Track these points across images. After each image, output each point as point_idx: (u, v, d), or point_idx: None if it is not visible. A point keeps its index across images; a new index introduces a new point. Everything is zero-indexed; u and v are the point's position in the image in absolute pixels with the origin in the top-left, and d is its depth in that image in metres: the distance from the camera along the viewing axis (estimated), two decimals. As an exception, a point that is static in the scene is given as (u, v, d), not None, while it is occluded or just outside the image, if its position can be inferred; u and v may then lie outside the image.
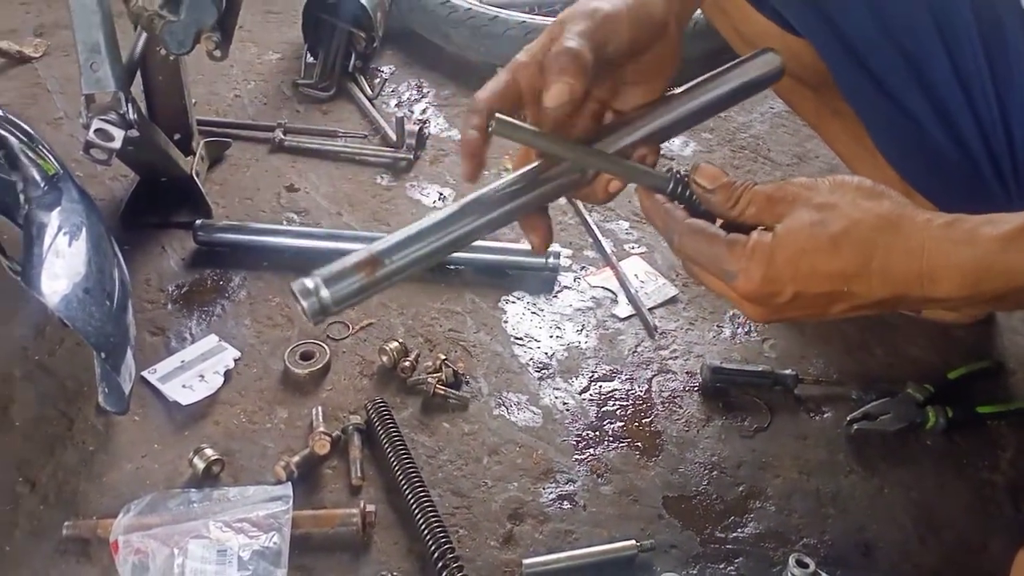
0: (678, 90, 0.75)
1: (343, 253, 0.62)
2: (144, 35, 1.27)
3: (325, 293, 0.62)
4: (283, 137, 1.52)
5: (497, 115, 0.65)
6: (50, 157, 1.17)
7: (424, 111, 1.66)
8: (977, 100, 0.94)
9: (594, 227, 1.38)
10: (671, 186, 0.69)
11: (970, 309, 0.67)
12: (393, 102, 1.68)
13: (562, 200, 1.44)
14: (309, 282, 0.62)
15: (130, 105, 1.14)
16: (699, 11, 1.17)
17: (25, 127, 1.19)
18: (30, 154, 1.15)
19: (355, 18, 1.71)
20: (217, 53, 1.19)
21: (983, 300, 0.65)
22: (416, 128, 1.53)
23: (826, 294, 0.66)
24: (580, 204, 1.42)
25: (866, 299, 0.65)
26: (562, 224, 1.40)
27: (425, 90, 1.72)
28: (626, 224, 1.41)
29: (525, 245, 1.34)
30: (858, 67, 0.98)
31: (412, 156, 1.51)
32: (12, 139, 1.15)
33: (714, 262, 0.67)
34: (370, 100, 1.65)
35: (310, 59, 1.71)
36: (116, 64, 1.13)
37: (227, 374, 1.11)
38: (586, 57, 0.66)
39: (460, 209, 0.68)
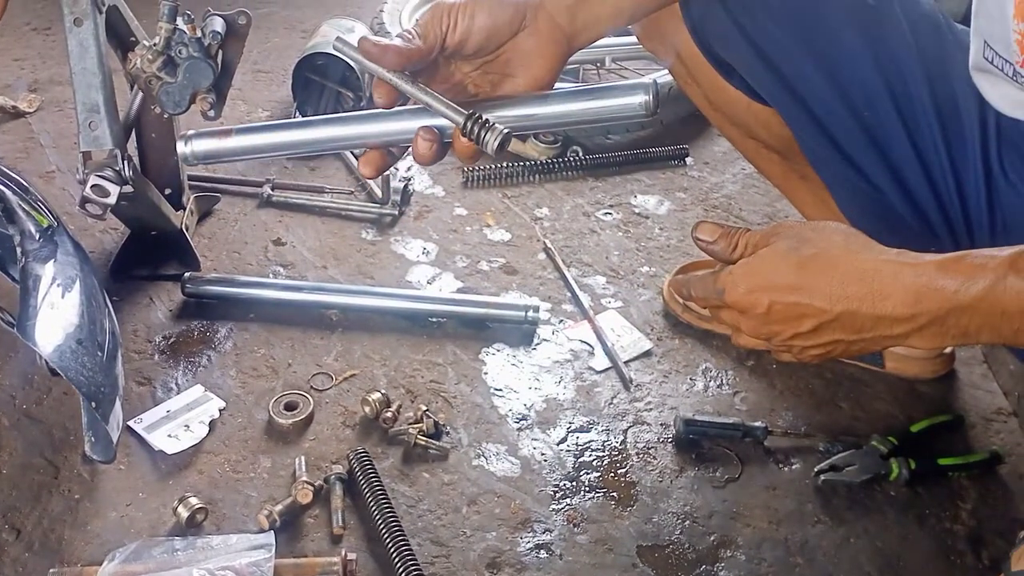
0: (548, 92, 0.84)
1: (328, 307, 0.80)
2: (140, 94, 1.32)
3: (191, 146, 0.83)
4: (271, 192, 1.57)
5: (338, 36, 0.83)
6: (44, 210, 1.20)
7: (409, 168, 1.71)
8: (934, 172, 0.99)
9: (572, 282, 1.43)
10: (464, 122, 0.75)
11: (919, 341, 0.74)
12: (379, 160, 1.73)
13: (542, 255, 1.50)
14: (186, 136, 0.84)
15: (125, 162, 1.19)
16: (671, 77, 1.24)
17: (20, 180, 1.23)
18: (25, 207, 1.19)
19: (343, 78, 1.77)
20: (211, 113, 1.24)
21: (927, 321, 0.74)
22: (401, 185, 1.58)
23: (794, 305, 0.76)
24: (559, 259, 1.47)
25: (828, 314, 0.75)
26: (541, 279, 1.45)
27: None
28: (603, 279, 1.46)
29: (506, 299, 1.38)
30: (822, 136, 1.03)
31: (397, 212, 1.56)
32: (8, 192, 1.19)
33: (708, 289, 0.81)
34: (356, 157, 1.70)
35: (299, 117, 1.77)
36: (114, 123, 1.18)
37: (212, 424, 1.13)
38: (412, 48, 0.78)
39: (322, 119, 0.84)
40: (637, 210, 1.64)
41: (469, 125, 0.75)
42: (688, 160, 1.77)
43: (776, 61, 1.01)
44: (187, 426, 1.12)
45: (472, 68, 0.85)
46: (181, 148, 0.83)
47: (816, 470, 1.12)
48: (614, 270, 1.48)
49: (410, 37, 0.78)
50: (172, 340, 1.27)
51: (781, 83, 1.02)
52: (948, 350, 1.29)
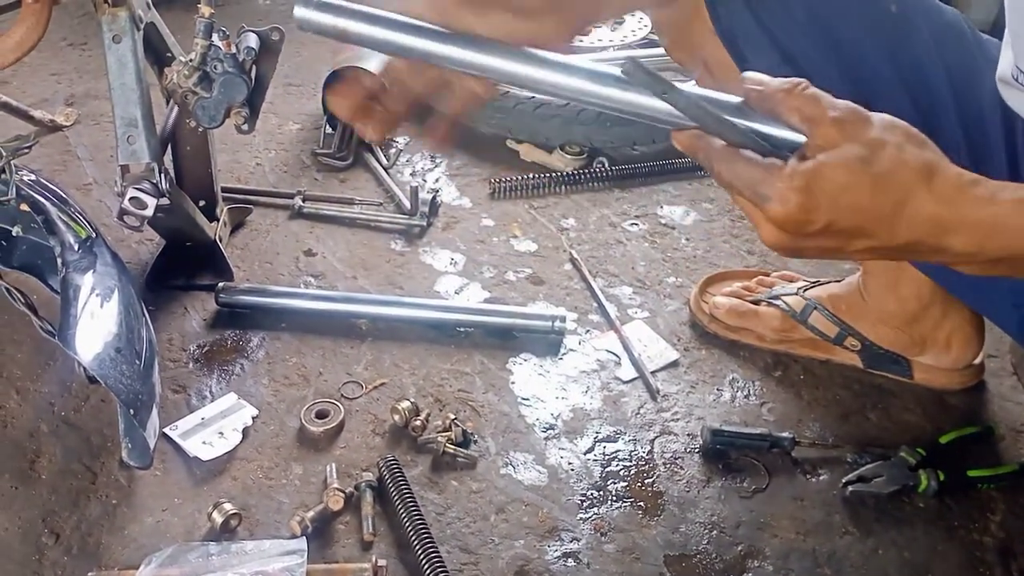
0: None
1: (358, 316, 0.69)
2: (176, 109, 1.35)
3: (310, 14, 0.72)
4: (302, 204, 1.60)
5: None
6: (83, 221, 1.24)
7: (437, 180, 1.73)
8: None
9: (599, 292, 1.44)
10: (625, 72, 0.67)
11: (975, 269, 0.69)
12: (407, 171, 1.76)
13: (568, 266, 1.51)
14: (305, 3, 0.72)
15: (162, 175, 1.21)
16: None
17: (59, 192, 1.27)
18: (65, 219, 1.22)
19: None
20: (245, 127, 1.26)
21: (986, 259, 0.69)
22: (429, 196, 1.60)
23: (855, 228, 0.68)
24: (585, 269, 1.49)
25: (887, 241, 0.68)
26: (567, 289, 1.46)
27: (438, 160, 1.79)
28: (629, 290, 1.47)
29: (532, 309, 1.39)
30: None
31: (425, 223, 1.58)
32: (48, 204, 1.22)
33: (750, 184, 0.68)
34: (385, 169, 1.73)
35: (328, 130, 1.79)
36: (151, 137, 1.21)
37: (245, 431, 1.16)
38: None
39: (471, 40, 0.73)
40: (663, 221, 1.65)
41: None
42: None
43: (803, 69, 1.01)
44: (221, 433, 1.15)
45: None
46: (300, 11, 0.72)
47: (844, 481, 1.12)
48: (640, 280, 1.49)
49: None
50: (206, 349, 1.30)
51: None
52: (977, 361, 1.29)
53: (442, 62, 0.73)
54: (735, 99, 0.71)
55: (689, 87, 0.69)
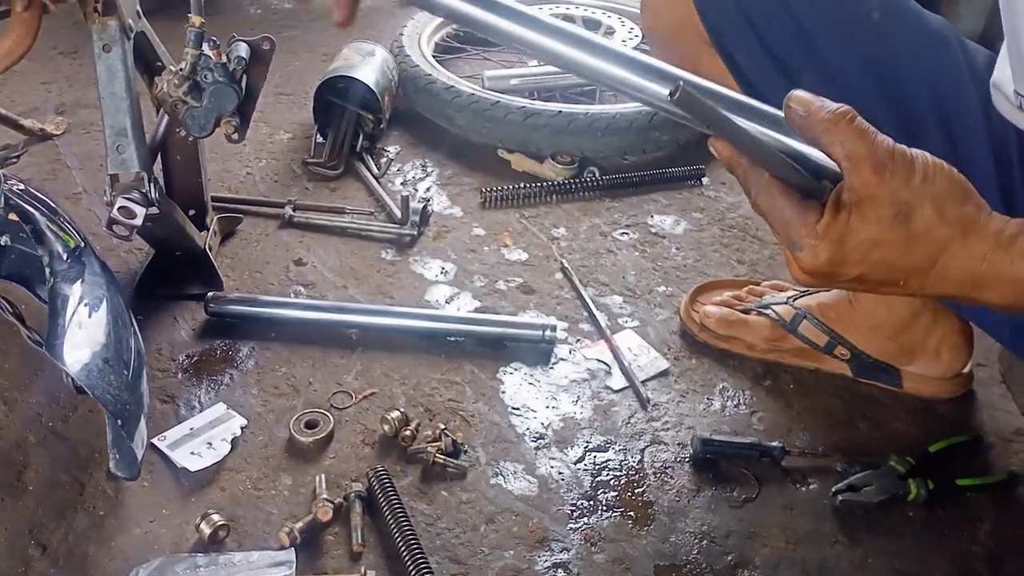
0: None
1: (348, 326, 0.68)
2: (166, 118, 1.35)
3: None
4: (292, 213, 1.59)
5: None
6: (72, 231, 1.23)
7: (428, 189, 1.73)
8: None
9: (589, 301, 1.44)
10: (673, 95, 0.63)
11: (1007, 311, 0.69)
12: (399, 180, 1.76)
13: (559, 275, 1.51)
14: None
15: (152, 184, 1.21)
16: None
17: (48, 201, 1.26)
18: (54, 228, 1.21)
19: (363, 101, 1.80)
20: (235, 136, 1.26)
21: (1021, 308, 0.69)
22: (420, 206, 1.60)
23: (886, 280, 0.68)
24: (576, 279, 1.49)
25: (917, 291, 0.69)
26: (558, 299, 1.46)
27: (429, 169, 1.80)
28: (620, 299, 1.47)
29: (523, 318, 1.39)
30: None
31: (416, 232, 1.58)
32: (37, 214, 1.22)
33: (784, 228, 0.68)
34: (376, 179, 1.73)
35: (319, 139, 1.80)
36: (141, 146, 1.21)
37: (234, 442, 1.15)
38: None
39: (558, 28, 0.73)
40: (654, 230, 1.65)
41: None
42: (704, 180, 1.78)
43: (791, 72, 1.02)
44: (210, 444, 1.14)
45: None
46: None
47: (833, 490, 1.12)
48: (631, 290, 1.49)
49: None
50: (195, 359, 1.29)
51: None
52: (966, 370, 1.29)
53: (496, 35, 0.74)
54: (777, 113, 0.69)
55: (734, 117, 0.67)
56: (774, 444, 1.17)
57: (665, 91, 0.67)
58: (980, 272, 0.67)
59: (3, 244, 1.24)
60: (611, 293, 1.48)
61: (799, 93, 0.66)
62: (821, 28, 1.00)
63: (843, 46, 1.00)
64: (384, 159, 1.81)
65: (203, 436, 1.15)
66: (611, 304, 1.46)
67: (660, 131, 1.77)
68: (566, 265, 1.53)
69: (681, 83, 0.61)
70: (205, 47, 1.20)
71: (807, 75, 0.99)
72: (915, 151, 0.66)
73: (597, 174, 1.75)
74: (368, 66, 1.82)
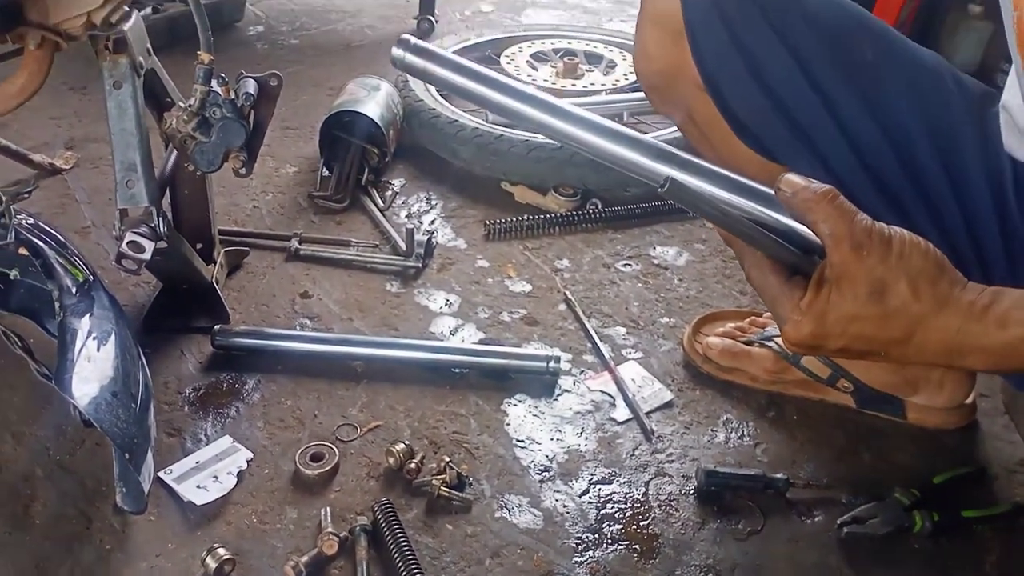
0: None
1: (353, 358, 0.70)
2: (175, 153, 1.37)
3: (405, 56, 0.79)
4: (298, 246, 1.61)
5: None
6: (81, 264, 1.25)
7: (432, 222, 1.75)
8: (945, 220, 1.01)
9: (593, 333, 1.45)
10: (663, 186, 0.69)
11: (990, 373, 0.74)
12: (403, 213, 1.77)
13: (562, 307, 1.52)
14: (407, 43, 0.79)
15: (160, 218, 1.23)
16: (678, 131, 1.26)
17: (57, 235, 1.28)
18: (63, 262, 1.23)
19: (369, 135, 1.82)
20: (242, 171, 1.28)
21: (1006, 371, 0.73)
22: (425, 238, 1.62)
23: (867, 351, 0.73)
24: (579, 310, 1.50)
25: (899, 361, 0.73)
26: (562, 330, 1.47)
27: (433, 202, 1.81)
28: (623, 330, 1.48)
29: (527, 350, 1.40)
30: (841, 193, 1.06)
31: (420, 264, 1.59)
32: (47, 248, 1.23)
33: (772, 303, 0.74)
34: (381, 211, 1.75)
35: (325, 172, 1.82)
36: (150, 181, 1.22)
37: (240, 475, 1.15)
38: None
39: (554, 106, 0.79)
40: (656, 261, 1.66)
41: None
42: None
43: (791, 114, 1.03)
44: (216, 477, 1.14)
45: None
46: (396, 52, 0.79)
47: (839, 522, 1.12)
48: (634, 321, 1.50)
49: None
50: (202, 392, 1.30)
51: (795, 140, 1.05)
52: (969, 400, 1.29)
53: (512, 116, 0.80)
54: (767, 190, 0.74)
55: (726, 194, 0.74)
56: (778, 476, 1.17)
57: (660, 168, 0.72)
58: (956, 343, 0.70)
59: (13, 278, 1.25)
60: (615, 324, 1.49)
61: (790, 177, 0.70)
62: (819, 69, 1.01)
63: (842, 85, 1.01)
64: (389, 192, 1.83)
65: (209, 469, 1.16)
66: (615, 335, 1.46)
67: (662, 163, 1.79)
68: (570, 296, 1.54)
69: (670, 177, 0.67)
70: (214, 83, 1.22)
71: (806, 116, 1.01)
72: (894, 229, 0.70)
73: (599, 206, 1.77)
74: (373, 100, 1.85)
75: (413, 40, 0.80)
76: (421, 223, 1.74)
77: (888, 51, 1.03)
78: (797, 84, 1.01)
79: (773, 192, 0.73)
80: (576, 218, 1.75)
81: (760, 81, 1.02)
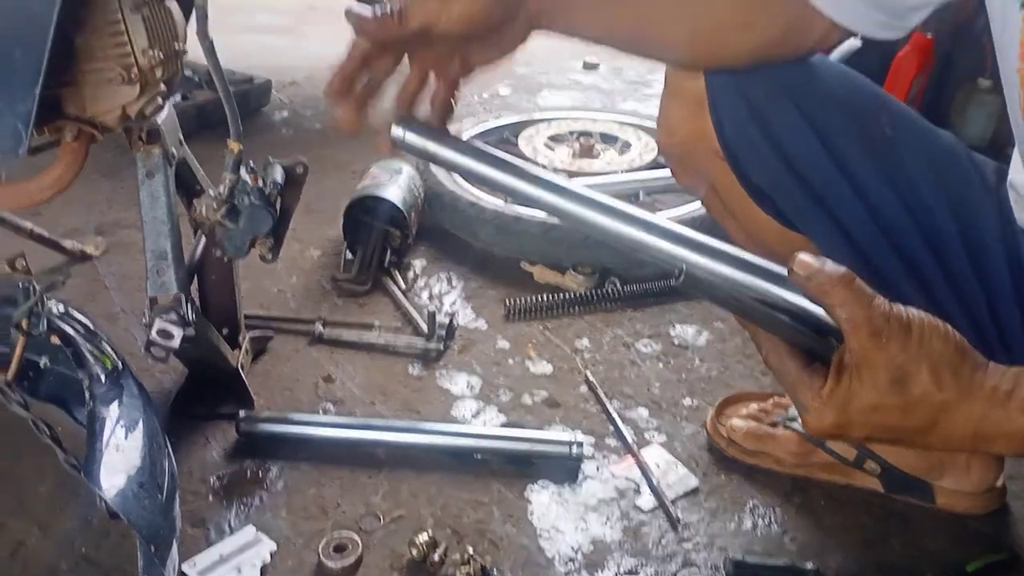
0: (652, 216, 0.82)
1: (376, 444, 0.68)
2: (203, 239, 1.40)
3: (405, 135, 0.82)
4: (322, 330, 1.63)
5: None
6: (110, 351, 1.26)
7: (453, 303, 1.77)
8: (966, 298, 1.02)
9: (615, 415, 1.45)
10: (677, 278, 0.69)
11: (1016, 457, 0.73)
12: (425, 294, 1.79)
13: (584, 388, 1.52)
14: (405, 121, 0.83)
15: (189, 306, 1.25)
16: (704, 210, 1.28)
17: (87, 322, 1.30)
18: (93, 350, 1.25)
19: (391, 218, 1.86)
20: (269, 256, 1.30)
21: None
22: (446, 320, 1.63)
23: (891, 439, 0.71)
24: (601, 392, 1.50)
25: (924, 448, 0.71)
26: (584, 412, 1.47)
27: (454, 283, 1.84)
28: (645, 412, 1.47)
29: (549, 434, 1.39)
30: (861, 265, 1.06)
31: (442, 346, 1.60)
32: (77, 336, 1.25)
33: (792, 389, 0.72)
34: (403, 293, 1.77)
35: (349, 255, 1.85)
36: (179, 269, 1.25)
37: (263, 568, 1.15)
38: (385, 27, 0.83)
39: (551, 182, 0.81)
40: (676, 341, 1.67)
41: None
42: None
43: (814, 186, 1.04)
44: (239, 570, 1.14)
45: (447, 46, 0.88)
46: (395, 131, 0.81)
47: (872, 615, 1.10)
48: (656, 402, 1.50)
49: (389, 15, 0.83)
50: (226, 480, 1.30)
51: (816, 210, 1.05)
52: (999, 484, 1.27)
53: (513, 194, 0.81)
54: (781, 270, 0.74)
55: (740, 275, 0.74)
56: (808, 567, 1.15)
57: (670, 248, 0.73)
58: (981, 430, 0.69)
59: (43, 366, 1.27)
60: (636, 406, 1.49)
61: (802, 257, 0.69)
62: (839, 141, 1.03)
63: (862, 158, 1.02)
64: (411, 274, 1.85)
65: (232, 562, 1.15)
66: (637, 417, 1.46)
67: (680, 243, 1.81)
68: (591, 378, 1.54)
69: (684, 266, 0.67)
70: (243, 171, 1.25)
71: (826, 186, 1.02)
72: (912, 312, 0.68)
73: (618, 284, 1.79)
74: (395, 184, 1.89)
75: (414, 118, 0.82)
76: (442, 304, 1.76)
77: (905, 127, 1.05)
78: (816, 154, 1.03)
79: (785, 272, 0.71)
80: (595, 297, 1.76)
81: (779, 150, 1.04)
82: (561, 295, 1.76)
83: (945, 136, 1.07)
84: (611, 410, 1.46)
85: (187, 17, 1.23)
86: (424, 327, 1.63)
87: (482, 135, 2.24)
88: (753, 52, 0.99)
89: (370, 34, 0.84)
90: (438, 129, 0.83)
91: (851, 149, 1.02)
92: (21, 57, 1.02)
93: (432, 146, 0.81)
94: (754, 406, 1.41)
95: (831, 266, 0.68)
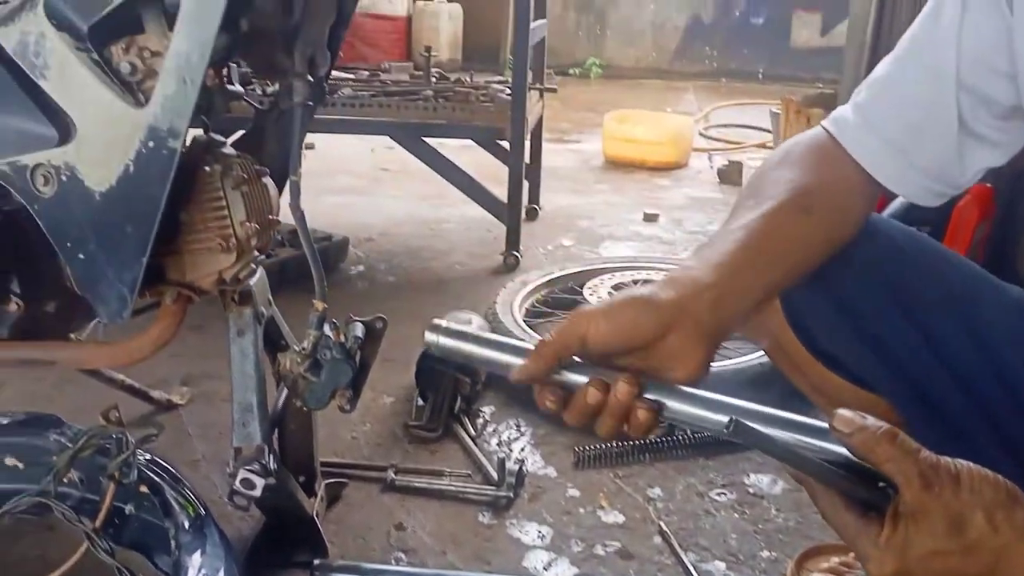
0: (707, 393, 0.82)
1: None
2: (285, 391, 1.46)
3: (439, 340, 0.83)
4: (394, 477, 1.65)
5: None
6: (193, 499, 1.31)
7: (522, 449, 1.78)
8: None
9: (691, 569, 1.41)
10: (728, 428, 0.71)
11: None
12: (494, 441, 1.81)
13: (657, 539, 1.50)
14: (437, 328, 0.84)
15: (271, 456, 1.30)
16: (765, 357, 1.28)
17: (172, 470, 1.35)
18: (178, 498, 1.29)
19: (461, 364, 1.90)
20: (347, 408, 1.35)
21: None
22: (516, 467, 1.64)
23: None
24: (676, 543, 1.47)
25: None
26: (659, 564, 1.44)
27: (523, 429, 1.86)
28: (723, 565, 1.43)
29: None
30: (935, 420, 1.05)
31: (512, 494, 1.60)
32: (164, 485, 1.31)
33: (850, 540, 0.72)
34: (473, 440, 1.79)
35: (420, 402, 1.90)
36: (264, 420, 1.31)
37: None
38: (551, 350, 0.81)
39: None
40: (751, 490, 1.64)
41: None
42: (798, 437, 1.78)
43: (887, 347, 1.04)
44: None
45: (624, 361, 0.85)
46: (429, 336, 0.83)
47: None
48: (733, 555, 1.46)
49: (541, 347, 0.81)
50: (299, 631, 1.30)
51: (892, 372, 1.05)
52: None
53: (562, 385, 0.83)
54: (825, 425, 0.75)
55: (788, 435, 0.75)
56: None
57: (723, 419, 0.76)
58: None
59: (127, 513, 1.32)
60: (713, 559, 1.45)
61: (843, 414, 0.71)
62: (913, 303, 1.03)
63: (938, 319, 1.03)
64: (480, 420, 1.88)
65: None
66: (714, 571, 1.42)
67: (748, 388, 1.81)
68: (665, 528, 1.51)
69: (735, 417, 0.70)
70: (326, 328, 1.32)
71: (904, 350, 1.02)
72: (960, 463, 0.70)
73: (688, 431, 1.78)
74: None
75: (444, 324, 0.84)
76: (511, 451, 1.77)
77: (978, 285, 1.06)
78: (889, 317, 1.04)
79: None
80: (665, 444, 1.75)
81: (846, 313, 1.05)
82: (631, 443, 1.75)
83: (1014, 290, 1.07)
84: (687, 563, 1.43)
85: (280, 190, 1.35)
86: (494, 474, 1.64)
87: (547, 285, 2.32)
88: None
89: (532, 378, 0.81)
90: (469, 331, 0.85)
91: (925, 309, 1.03)
92: (132, 231, 1.11)
93: (466, 346, 0.83)
94: (836, 559, 1.36)
95: (873, 422, 0.70)
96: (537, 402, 0.84)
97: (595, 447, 1.73)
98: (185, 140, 1.09)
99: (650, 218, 3.40)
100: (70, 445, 1.24)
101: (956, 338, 1.02)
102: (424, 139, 2.74)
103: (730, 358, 1.90)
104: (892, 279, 1.04)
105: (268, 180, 1.30)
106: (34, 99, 1.10)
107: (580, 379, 0.80)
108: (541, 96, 3.23)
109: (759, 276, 0.91)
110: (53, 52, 1.07)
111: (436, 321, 0.85)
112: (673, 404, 0.80)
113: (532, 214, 3.30)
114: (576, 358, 0.81)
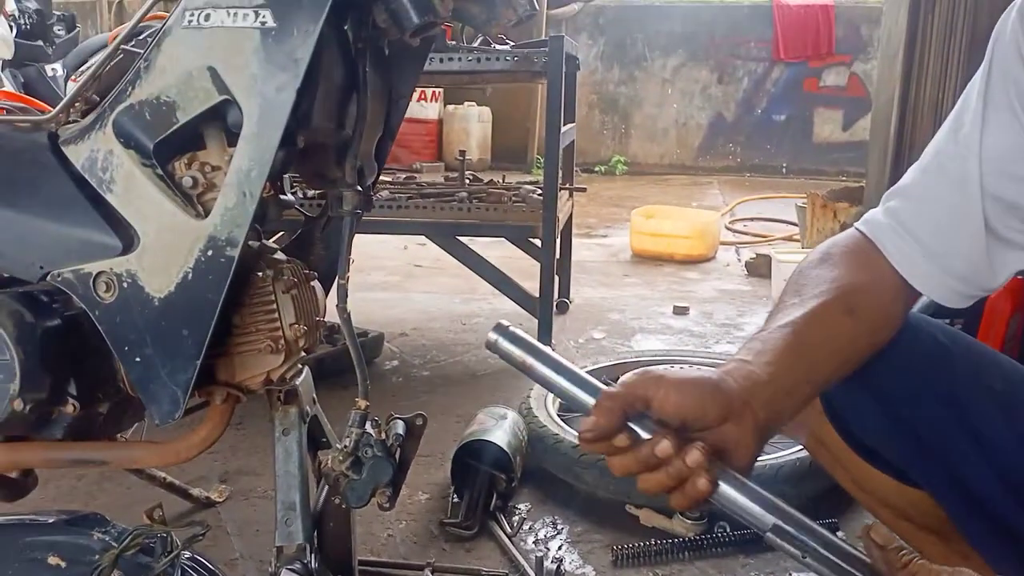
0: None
1: None
2: (326, 489, 1.48)
3: (501, 341, 0.86)
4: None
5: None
6: (235, 601, 1.32)
7: (559, 548, 1.76)
8: None
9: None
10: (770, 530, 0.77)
11: None
12: (530, 539, 1.80)
13: (700, 641, 1.46)
14: (503, 329, 0.87)
15: (312, 555, 1.30)
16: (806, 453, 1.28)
17: (214, 569, 1.36)
18: (223, 600, 1.30)
19: (496, 461, 1.91)
20: (387, 505, 1.36)
21: None
22: (553, 567, 1.63)
23: None
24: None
25: None
26: (702, 668, 1.40)
27: (559, 527, 1.84)
28: (768, 668, 1.40)
29: None
30: (980, 514, 1.05)
31: (551, 594, 1.59)
32: (204, 583, 1.31)
33: None
34: (509, 538, 1.78)
35: (455, 499, 1.89)
36: (306, 519, 1.32)
37: None
38: (619, 404, 0.82)
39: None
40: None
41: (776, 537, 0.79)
42: (839, 534, 1.75)
43: (930, 443, 1.04)
44: None
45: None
46: (492, 335, 0.86)
47: None
48: (778, 656, 1.42)
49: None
50: None
51: (934, 466, 1.05)
52: None
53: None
54: (859, 554, 0.81)
55: (822, 549, 0.80)
56: None
57: (769, 520, 0.78)
58: None
59: (171, 613, 1.33)
60: (758, 660, 1.42)
61: (877, 531, 0.77)
62: (953, 398, 1.05)
63: (979, 413, 1.03)
64: (516, 517, 1.87)
65: None
66: (759, 674, 1.39)
67: (786, 483, 1.79)
68: (707, 630, 1.48)
69: (772, 525, 0.75)
70: (368, 425, 1.35)
71: (946, 444, 1.03)
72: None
73: (728, 529, 1.76)
74: (501, 428, 1.96)
75: (510, 327, 0.86)
76: (548, 549, 1.76)
77: (1017, 378, 1.07)
78: (931, 410, 1.04)
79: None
80: (705, 542, 1.73)
81: (888, 408, 1.06)
82: (670, 540, 1.74)
83: None
84: (731, 664, 1.39)
85: (327, 291, 1.40)
86: (532, 574, 1.62)
87: (581, 379, 2.33)
88: None
89: (601, 435, 0.83)
90: (532, 341, 0.86)
91: (967, 405, 1.03)
92: (188, 335, 1.16)
93: (523, 355, 0.85)
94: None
95: (898, 544, 0.76)
96: (586, 436, 0.83)
97: (634, 545, 1.71)
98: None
99: (680, 311, 3.42)
100: (114, 544, 1.26)
101: (999, 434, 1.03)
102: (458, 237, 2.82)
103: (768, 453, 1.89)
104: (934, 376, 1.05)
105: (316, 283, 1.36)
106: (99, 211, 1.17)
107: (642, 432, 0.81)
108: (571, 195, 3.32)
109: (808, 375, 0.93)
110: (120, 168, 1.15)
111: (502, 322, 0.87)
112: (727, 488, 0.81)
113: (563, 307, 3.34)
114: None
